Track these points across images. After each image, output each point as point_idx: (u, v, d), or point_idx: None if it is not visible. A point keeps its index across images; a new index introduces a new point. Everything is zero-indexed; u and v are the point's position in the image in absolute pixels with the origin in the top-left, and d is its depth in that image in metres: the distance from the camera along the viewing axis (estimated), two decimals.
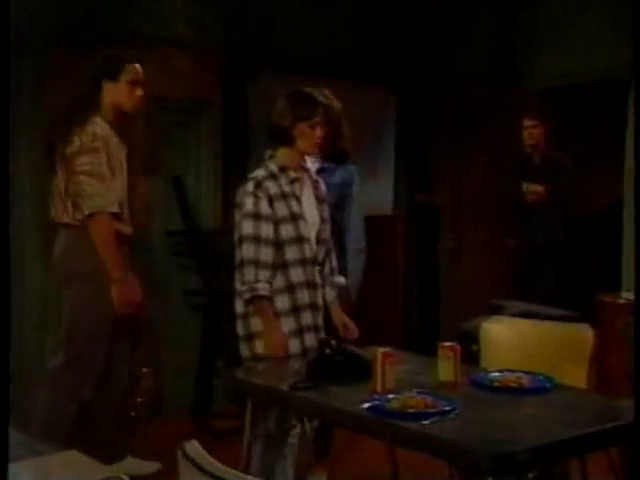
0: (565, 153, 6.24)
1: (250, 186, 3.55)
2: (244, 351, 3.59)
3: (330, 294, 3.75)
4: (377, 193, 6.88)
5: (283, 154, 3.64)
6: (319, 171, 4.16)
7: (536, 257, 6.22)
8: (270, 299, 3.50)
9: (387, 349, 2.98)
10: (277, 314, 3.52)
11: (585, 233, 7.31)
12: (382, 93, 6.93)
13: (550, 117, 6.29)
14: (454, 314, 6.20)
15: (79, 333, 3.99)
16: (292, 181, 3.62)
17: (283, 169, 3.61)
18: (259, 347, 3.53)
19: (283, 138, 3.60)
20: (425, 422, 2.60)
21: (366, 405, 2.76)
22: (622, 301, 5.38)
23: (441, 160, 7.07)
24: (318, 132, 3.60)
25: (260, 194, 3.53)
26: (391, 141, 7.05)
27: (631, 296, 5.44)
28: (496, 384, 3.02)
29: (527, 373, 3.08)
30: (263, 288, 3.48)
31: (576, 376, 3.36)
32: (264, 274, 3.49)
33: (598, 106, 7.49)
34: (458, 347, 3.05)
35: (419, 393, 2.83)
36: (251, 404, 3.29)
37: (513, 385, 3.00)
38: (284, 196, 3.57)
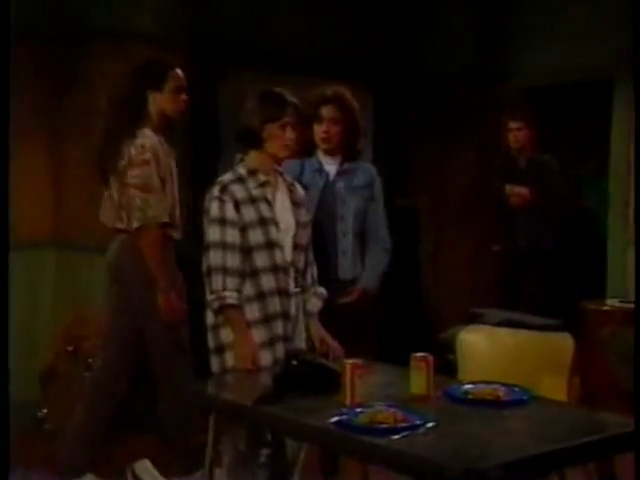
0: (549, 154, 6.13)
1: (215, 190, 3.43)
2: (215, 365, 3.45)
3: (315, 305, 3.61)
4: None
5: (253, 157, 3.51)
6: (339, 174, 4.08)
7: (521, 262, 6.10)
8: (240, 308, 3.37)
9: (356, 360, 2.86)
10: (247, 324, 3.38)
11: (571, 238, 7.21)
12: (360, 92, 6.78)
13: (534, 118, 6.19)
14: (436, 322, 6.09)
15: (116, 335, 4.10)
16: (262, 184, 3.48)
17: (252, 172, 3.48)
18: (230, 360, 3.39)
19: (252, 140, 3.48)
20: (395, 437, 2.49)
21: (333, 419, 2.64)
22: (607, 308, 5.29)
23: (421, 162, 6.94)
24: (288, 133, 3.47)
25: (225, 198, 3.40)
26: (369, 142, 6.91)
27: (616, 303, 5.35)
28: (470, 396, 2.91)
29: (503, 385, 2.97)
30: (231, 296, 3.34)
31: (555, 387, 3.29)
32: (232, 282, 3.36)
33: (582, 105, 7.40)
34: (431, 358, 2.94)
35: (389, 406, 2.71)
36: (214, 419, 3.15)
37: (488, 397, 2.89)
38: (253, 200, 3.44)
